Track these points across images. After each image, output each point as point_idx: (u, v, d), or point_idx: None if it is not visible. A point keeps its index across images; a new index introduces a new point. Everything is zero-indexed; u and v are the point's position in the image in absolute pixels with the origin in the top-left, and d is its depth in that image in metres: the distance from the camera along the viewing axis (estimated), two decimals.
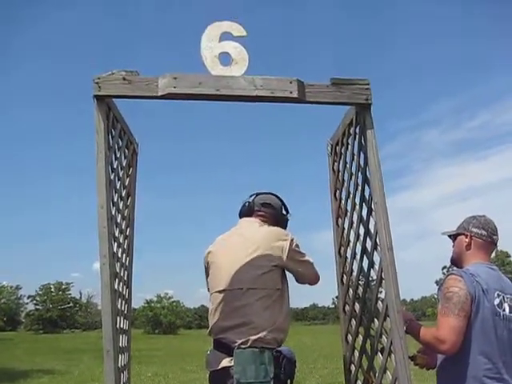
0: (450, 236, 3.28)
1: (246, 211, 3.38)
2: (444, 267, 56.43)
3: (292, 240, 3.15)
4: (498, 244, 3.18)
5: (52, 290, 76.42)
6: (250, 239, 3.12)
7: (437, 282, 56.97)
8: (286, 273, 3.21)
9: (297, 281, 3.28)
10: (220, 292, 3.08)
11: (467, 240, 3.13)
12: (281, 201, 3.46)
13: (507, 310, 2.90)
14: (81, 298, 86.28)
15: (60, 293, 76.97)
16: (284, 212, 3.47)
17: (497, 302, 2.87)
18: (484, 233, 3.08)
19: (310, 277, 3.31)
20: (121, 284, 3.33)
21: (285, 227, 3.44)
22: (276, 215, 3.39)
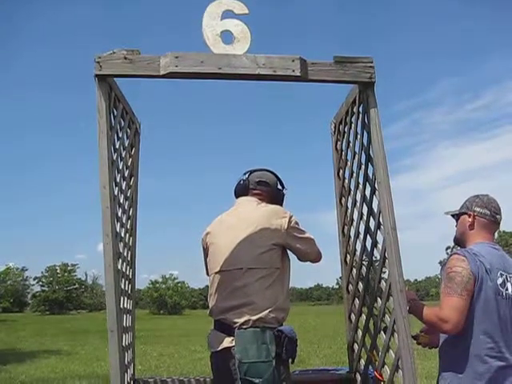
0: (453, 216, 3.26)
1: (242, 190, 3.35)
2: (448, 247, 56.57)
3: (291, 217, 3.12)
4: (501, 224, 3.16)
5: (58, 271, 76.92)
6: (248, 219, 3.10)
7: (440, 263, 57.08)
8: (288, 252, 3.20)
9: (298, 259, 3.26)
10: (219, 273, 3.08)
11: (470, 219, 3.11)
12: (276, 176, 3.42)
13: (510, 289, 2.89)
14: (86, 279, 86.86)
15: (66, 274, 77.49)
16: (280, 187, 3.44)
17: (500, 281, 2.87)
18: (487, 212, 3.06)
19: (311, 254, 3.27)
20: (124, 264, 3.34)
21: (281, 202, 3.42)
22: (272, 192, 3.34)
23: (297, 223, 3.15)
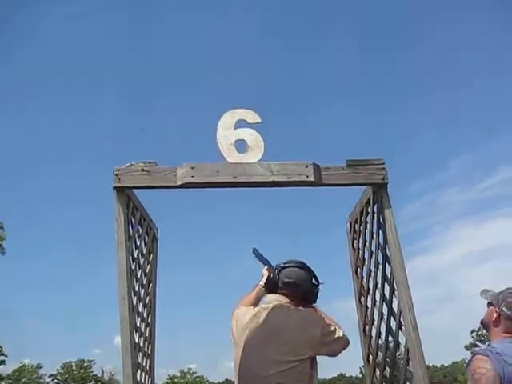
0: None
1: (272, 285, 3.28)
2: (473, 331, 55.00)
3: (324, 326, 3.04)
4: None
5: (73, 367, 75.48)
6: (280, 330, 3.00)
7: (466, 347, 55.41)
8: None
9: (332, 356, 3.17)
10: (245, 381, 3.00)
11: (495, 316, 3.05)
12: (309, 271, 3.32)
13: None
14: (103, 375, 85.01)
15: (82, 371, 75.93)
16: (314, 282, 3.33)
17: None
18: None
19: (341, 349, 3.19)
20: (143, 374, 3.30)
21: (315, 298, 3.33)
22: (302, 293, 3.25)
23: (329, 326, 3.06)
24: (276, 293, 3.22)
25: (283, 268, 3.27)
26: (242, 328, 3.15)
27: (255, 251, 3.30)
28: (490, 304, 3.12)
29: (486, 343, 47.28)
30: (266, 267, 3.31)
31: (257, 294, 3.28)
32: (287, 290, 3.19)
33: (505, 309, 3.02)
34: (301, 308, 3.16)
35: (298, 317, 3.06)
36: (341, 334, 3.14)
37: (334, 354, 3.14)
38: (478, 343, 53.11)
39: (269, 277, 3.28)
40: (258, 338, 3.04)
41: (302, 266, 3.25)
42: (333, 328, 3.11)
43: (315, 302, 3.28)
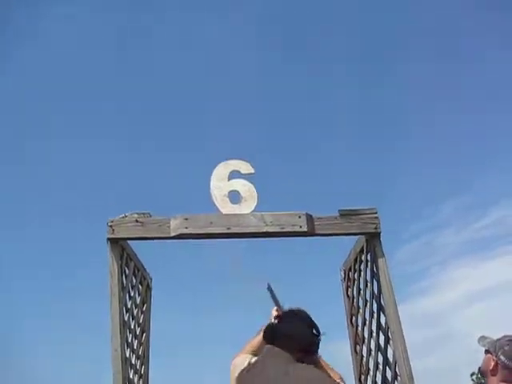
0: None
1: (269, 336, 3.14)
2: (473, 373, 54.20)
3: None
4: None
5: None
6: None
7: None
8: None
9: None
10: None
11: (493, 364, 3.02)
12: (308, 322, 3.16)
13: None
14: None
15: None
16: (314, 333, 3.18)
17: None
18: (511, 365, 2.96)
19: None
20: None
21: (316, 349, 3.20)
22: (300, 345, 3.09)
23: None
24: (273, 344, 3.09)
25: (283, 316, 3.15)
26: (238, 379, 3.05)
27: (269, 288, 3.19)
28: (487, 351, 3.08)
29: None
30: (275, 308, 3.21)
31: (259, 342, 3.14)
32: (285, 342, 3.05)
33: (502, 357, 2.98)
34: (302, 364, 2.97)
35: (299, 377, 2.90)
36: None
37: None
38: None
39: (269, 325, 3.16)
40: None
41: (301, 317, 3.11)
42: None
43: (317, 353, 3.15)
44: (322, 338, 3.12)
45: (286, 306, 3.14)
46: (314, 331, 3.07)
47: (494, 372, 3.00)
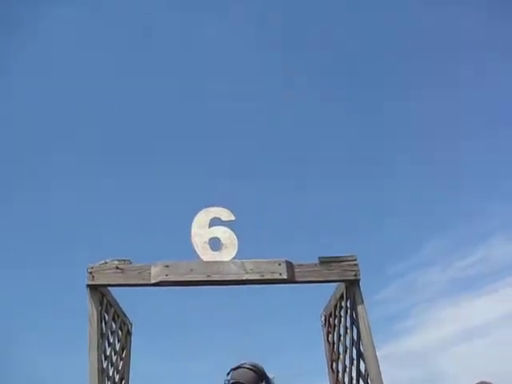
0: None
1: None
2: None
3: None
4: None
5: None
6: None
7: None
8: None
9: None
10: None
11: None
12: (256, 371, 3.28)
13: None
14: None
15: None
16: (261, 381, 3.28)
17: None
18: None
19: None
20: None
21: None
22: None
23: None
24: None
25: (233, 369, 3.26)
26: None
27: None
28: None
29: None
30: None
31: None
32: None
33: None
34: None
35: None
36: None
37: None
38: None
39: None
40: None
41: (251, 365, 3.24)
42: None
43: None
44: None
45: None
46: (263, 381, 3.18)
47: None
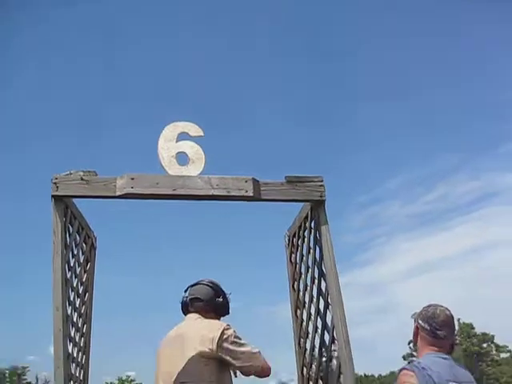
0: None
1: (185, 307, 3.37)
2: (410, 341, 55.95)
3: (224, 330, 3.07)
4: (459, 316, 3.16)
5: (6, 375, 73.06)
6: (185, 335, 3.09)
7: (404, 357, 56.47)
8: None
9: (242, 373, 3.19)
10: None
11: (415, 331, 3.16)
12: (212, 287, 3.39)
13: None
14: (37, 382, 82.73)
15: (14, 379, 73.49)
16: (219, 296, 3.39)
17: None
18: (427, 327, 3.06)
19: (253, 369, 3.19)
20: None
21: (224, 312, 3.39)
22: (207, 306, 3.32)
23: (233, 336, 3.09)
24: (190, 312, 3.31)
25: (191, 286, 3.37)
26: (158, 351, 3.25)
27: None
28: (414, 321, 3.23)
29: None
30: None
31: None
32: (194, 306, 3.29)
33: (420, 321, 3.13)
34: (208, 320, 3.22)
35: (201, 324, 3.14)
36: (253, 350, 3.17)
37: (241, 370, 3.16)
38: (414, 353, 54.27)
39: (180, 303, 3.38)
40: (167, 343, 3.15)
41: (207, 281, 3.35)
42: (241, 342, 3.14)
43: (228, 314, 3.36)
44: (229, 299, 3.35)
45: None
46: (220, 296, 3.30)
47: (416, 337, 3.15)
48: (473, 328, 49.48)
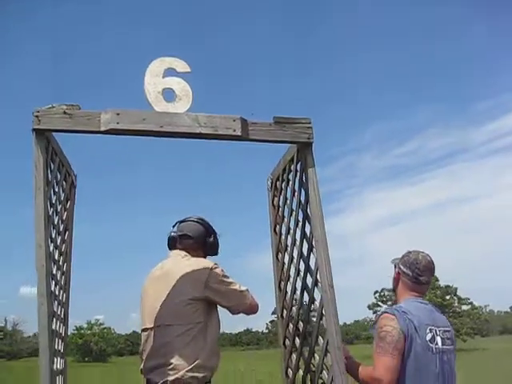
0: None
1: (172, 243, 3.33)
2: (376, 292, 57.40)
3: (212, 269, 3.05)
4: (429, 282, 3.20)
5: None
6: (169, 274, 3.07)
7: (369, 307, 57.89)
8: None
9: (230, 312, 3.20)
10: (144, 330, 3.07)
11: (396, 276, 3.22)
12: (203, 224, 3.34)
13: (439, 343, 2.96)
14: (6, 325, 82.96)
15: None
16: (208, 236, 3.35)
17: (429, 337, 2.93)
18: (409, 273, 3.12)
19: (239, 306, 3.18)
20: (58, 322, 3.23)
21: (213, 251, 3.37)
22: (196, 244, 3.28)
23: (221, 275, 3.08)
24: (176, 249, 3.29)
25: (180, 222, 3.33)
26: (143, 287, 3.23)
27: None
28: (394, 267, 3.28)
29: (388, 303, 49.60)
30: None
31: None
32: (183, 243, 3.26)
33: (402, 266, 3.20)
34: (196, 258, 3.20)
35: (188, 262, 3.13)
36: (241, 288, 3.17)
37: (227, 308, 3.17)
38: (380, 303, 55.72)
39: (168, 238, 3.36)
40: (152, 281, 3.15)
41: (198, 219, 3.32)
42: (229, 280, 3.13)
43: (216, 254, 3.36)
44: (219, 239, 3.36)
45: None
46: (209, 234, 3.29)
47: (397, 282, 3.22)
48: (437, 280, 50.76)
